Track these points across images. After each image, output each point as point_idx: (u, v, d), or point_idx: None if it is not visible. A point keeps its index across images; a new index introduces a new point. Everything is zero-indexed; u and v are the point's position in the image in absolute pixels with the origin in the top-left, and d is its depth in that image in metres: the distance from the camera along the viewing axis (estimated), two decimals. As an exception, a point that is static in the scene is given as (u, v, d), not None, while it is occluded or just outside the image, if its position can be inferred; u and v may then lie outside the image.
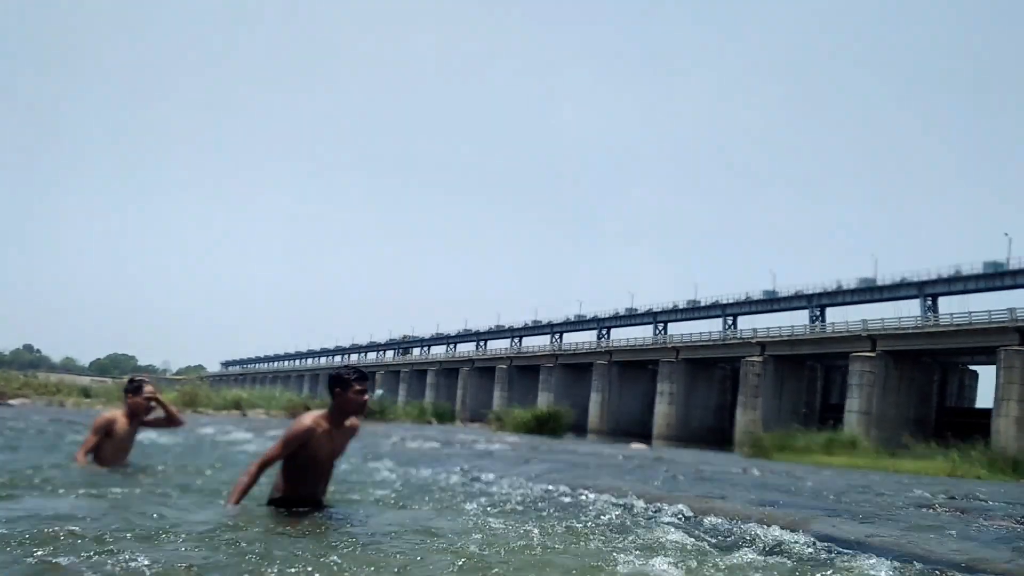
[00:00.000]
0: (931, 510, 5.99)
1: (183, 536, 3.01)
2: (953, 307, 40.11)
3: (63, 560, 2.49)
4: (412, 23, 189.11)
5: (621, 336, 60.21)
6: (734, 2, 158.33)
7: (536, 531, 3.61)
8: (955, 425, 29.02)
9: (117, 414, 5.31)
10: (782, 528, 4.07)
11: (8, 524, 2.98)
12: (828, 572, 3.14)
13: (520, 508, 4.80)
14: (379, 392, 49.01)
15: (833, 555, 3.48)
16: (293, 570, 2.58)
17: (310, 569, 2.59)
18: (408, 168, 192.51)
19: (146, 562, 2.51)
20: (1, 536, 2.77)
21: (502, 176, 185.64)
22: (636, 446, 22.18)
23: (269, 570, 2.56)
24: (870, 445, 19.55)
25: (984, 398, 40.86)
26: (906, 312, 41.91)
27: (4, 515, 3.19)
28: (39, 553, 2.57)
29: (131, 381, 5.50)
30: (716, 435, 40.94)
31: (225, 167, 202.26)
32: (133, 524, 3.19)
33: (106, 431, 5.18)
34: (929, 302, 43.86)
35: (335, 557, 2.78)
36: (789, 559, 3.38)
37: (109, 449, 5.19)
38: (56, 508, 3.50)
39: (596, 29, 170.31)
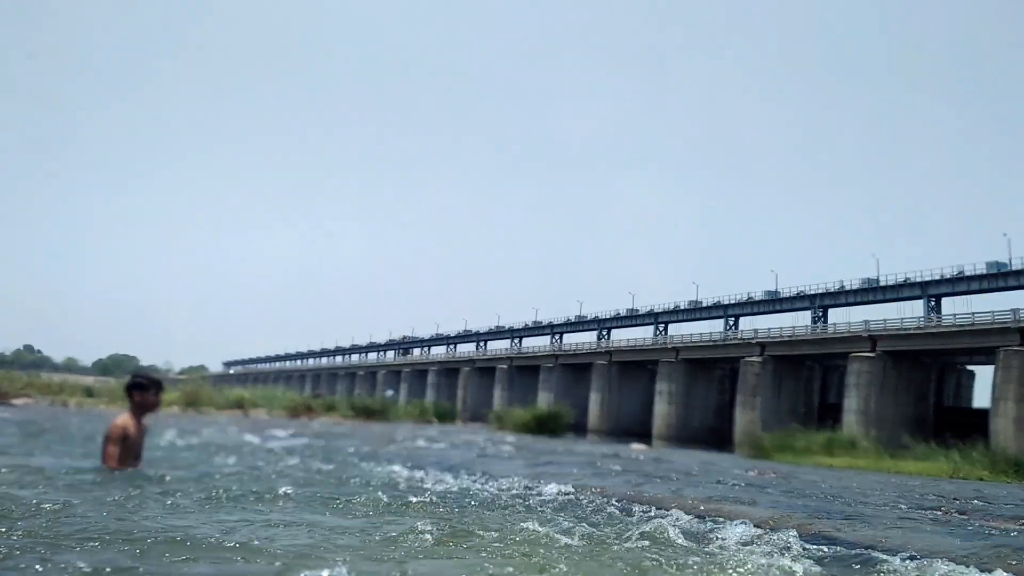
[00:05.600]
0: (933, 511, 5.96)
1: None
2: (957, 308, 40.09)
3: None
4: (411, 20, 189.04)
5: (622, 337, 60.22)
6: (735, 0, 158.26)
7: (537, 532, 3.61)
8: (954, 425, 29.02)
9: (127, 420, 5.19)
10: (784, 528, 4.04)
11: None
12: (830, 572, 3.14)
13: (521, 508, 4.81)
14: (389, 392, 49.21)
15: (835, 555, 3.50)
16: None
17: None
18: (408, 168, 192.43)
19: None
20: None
21: (502, 176, 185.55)
22: (636, 447, 22.24)
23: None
24: (870, 445, 19.57)
25: (981, 398, 40.88)
26: (909, 313, 41.92)
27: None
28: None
29: (141, 377, 5.36)
30: (716, 435, 40.95)
31: (226, 166, 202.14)
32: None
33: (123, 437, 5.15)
34: (932, 303, 43.84)
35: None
36: (792, 560, 3.37)
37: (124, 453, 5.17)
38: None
39: (595, 27, 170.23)
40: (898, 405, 35.13)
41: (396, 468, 7.52)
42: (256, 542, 3.10)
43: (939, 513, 5.91)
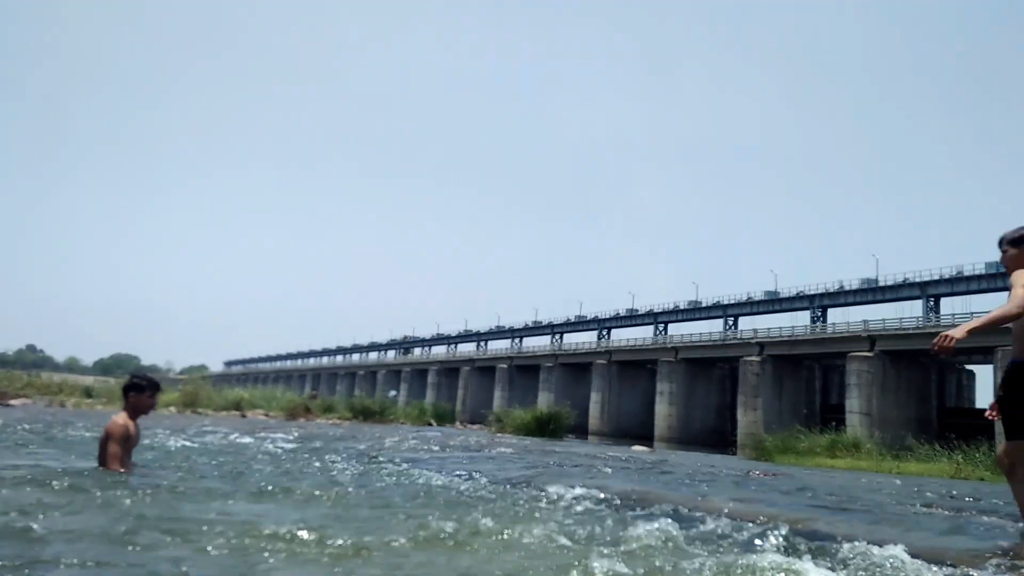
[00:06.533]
0: (928, 508, 5.99)
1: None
2: (956, 308, 40.08)
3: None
4: (412, 23, 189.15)
5: (622, 337, 60.25)
6: (736, 2, 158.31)
7: (537, 532, 3.56)
8: (958, 426, 28.90)
9: (127, 419, 5.11)
10: (778, 525, 4.06)
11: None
12: (822, 567, 3.14)
13: (519, 509, 4.76)
14: (391, 393, 49.25)
15: (827, 551, 3.48)
16: None
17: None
18: (409, 169, 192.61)
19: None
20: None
21: (503, 176, 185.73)
22: (637, 448, 22.17)
23: None
24: (873, 447, 19.47)
25: (984, 398, 40.84)
26: (909, 313, 41.93)
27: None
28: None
29: (139, 378, 5.31)
30: (717, 437, 40.92)
31: (227, 168, 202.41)
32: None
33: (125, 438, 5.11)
34: (931, 303, 43.79)
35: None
36: (786, 556, 3.36)
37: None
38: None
39: (597, 28, 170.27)
40: (900, 406, 35.03)
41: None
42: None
43: (934, 510, 5.91)
